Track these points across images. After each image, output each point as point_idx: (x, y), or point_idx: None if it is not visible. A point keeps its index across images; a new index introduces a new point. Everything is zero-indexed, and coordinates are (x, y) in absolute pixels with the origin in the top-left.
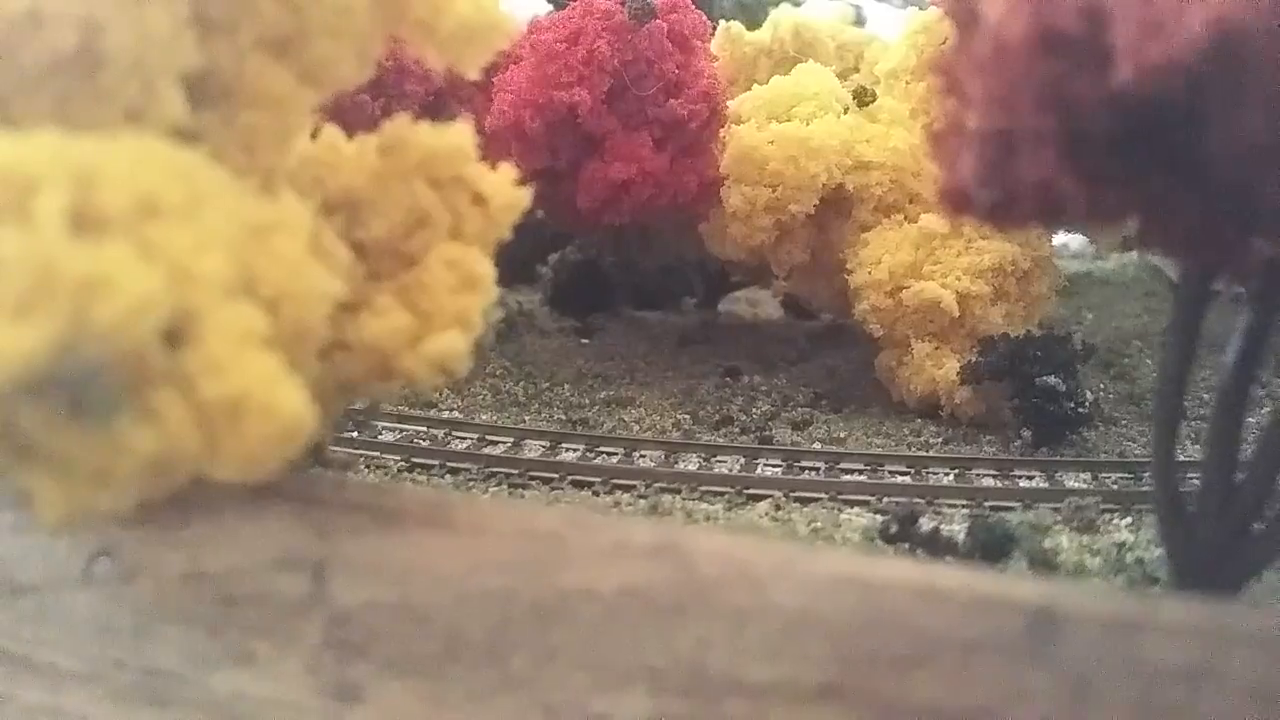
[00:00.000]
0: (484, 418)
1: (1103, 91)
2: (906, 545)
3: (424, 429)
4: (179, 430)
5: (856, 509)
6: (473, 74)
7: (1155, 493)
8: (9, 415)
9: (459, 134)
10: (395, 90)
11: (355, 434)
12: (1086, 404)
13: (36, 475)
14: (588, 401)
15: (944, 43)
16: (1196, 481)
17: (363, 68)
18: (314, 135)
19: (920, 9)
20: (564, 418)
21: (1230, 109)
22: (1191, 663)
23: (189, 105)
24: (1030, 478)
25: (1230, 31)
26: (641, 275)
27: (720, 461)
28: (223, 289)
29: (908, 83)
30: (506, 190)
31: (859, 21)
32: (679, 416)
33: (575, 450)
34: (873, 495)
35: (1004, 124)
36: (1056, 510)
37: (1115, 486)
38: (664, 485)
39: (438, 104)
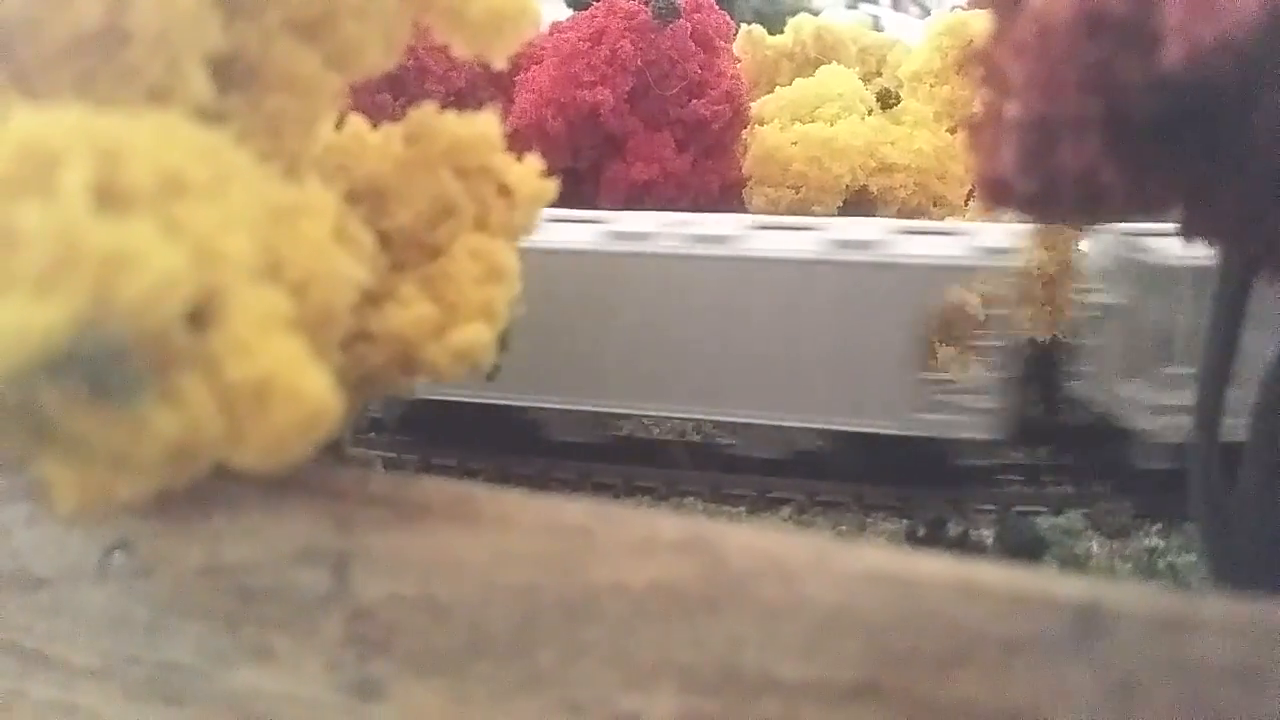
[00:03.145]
0: None
1: (1150, 74)
2: (935, 550)
3: None
4: (202, 413)
5: (882, 513)
6: (500, 64)
7: (1194, 492)
8: (29, 395)
9: (485, 123)
10: (416, 90)
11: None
12: None
13: (54, 461)
14: None
15: (970, 43)
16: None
17: (390, 53)
18: (339, 125)
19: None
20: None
21: None
22: (1237, 662)
23: (215, 87)
24: (1059, 484)
25: None
26: None
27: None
28: (248, 270)
29: (932, 85)
30: (533, 181)
31: (877, 30)
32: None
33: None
34: (898, 500)
35: (1046, 110)
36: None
37: None
38: (685, 488)
39: (459, 104)
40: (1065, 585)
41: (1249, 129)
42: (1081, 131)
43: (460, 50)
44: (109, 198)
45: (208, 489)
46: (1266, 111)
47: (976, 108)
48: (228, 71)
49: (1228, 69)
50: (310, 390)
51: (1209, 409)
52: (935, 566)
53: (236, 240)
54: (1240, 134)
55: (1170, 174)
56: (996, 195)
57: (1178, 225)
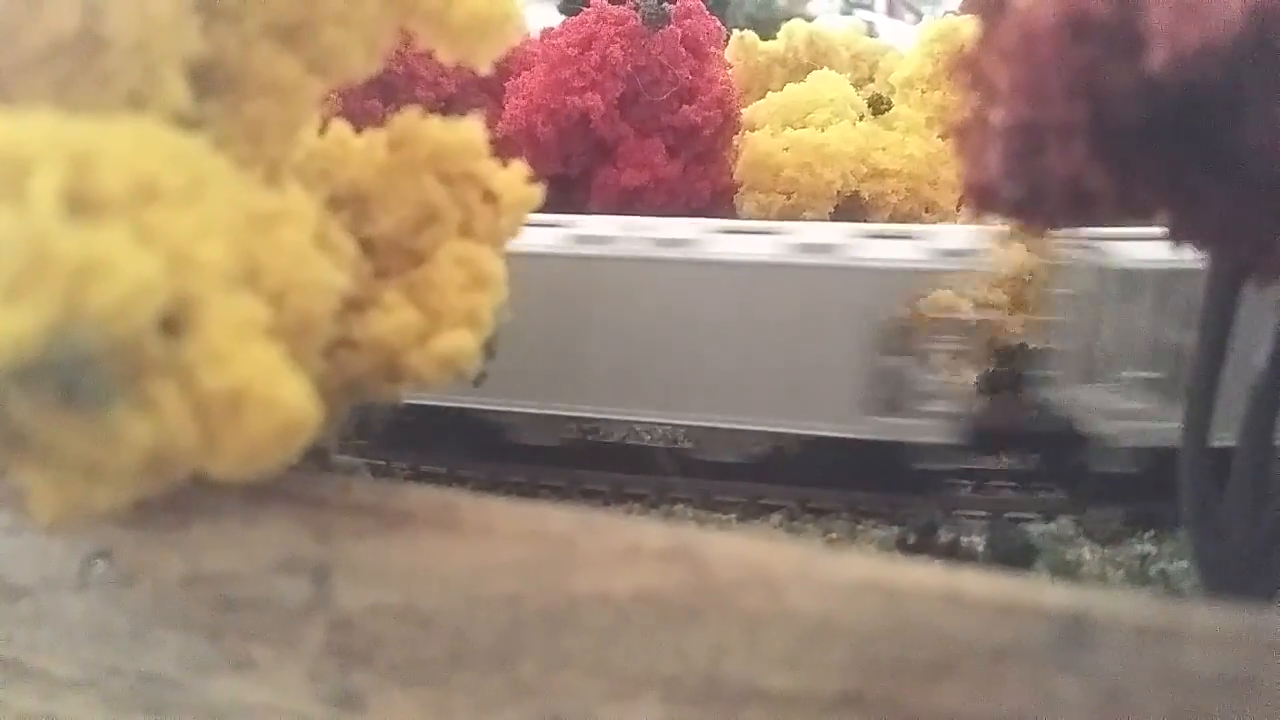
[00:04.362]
0: None
1: (1135, 79)
2: (925, 557)
3: None
4: (177, 422)
5: (872, 521)
6: (484, 69)
7: (1184, 499)
8: (1, 403)
9: (470, 129)
10: (406, 96)
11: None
12: None
13: (30, 470)
14: None
15: (963, 49)
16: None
17: (372, 59)
18: (322, 131)
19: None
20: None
21: (1267, 96)
22: (1226, 671)
23: (194, 93)
24: (1049, 489)
25: (1269, 15)
26: None
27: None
28: (224, 277)
29: (923, 91)
30: (518, 188)
31: (871, 36)
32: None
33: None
34: (888, 507)
35: (1032, 115)
36: (1078, 522)
37: None
38: (676, 495)
39: (448, 110)
40: (1053, 594)
41: (1235, 133)
42: (1067, 136)
43: (444, 55)
44: (81, 204)
45: (188, 498)
46: (1252, 115)
47: (963, 113)
48: (207, 77)
49: (1213, 73)
50: (286, 399)
51: (1198, 416)
52: (921, 575)
53: (212, 247)
54: (1226, 138)
55: (1156, 179)
56: (983, 200)
57: (1165, 230)
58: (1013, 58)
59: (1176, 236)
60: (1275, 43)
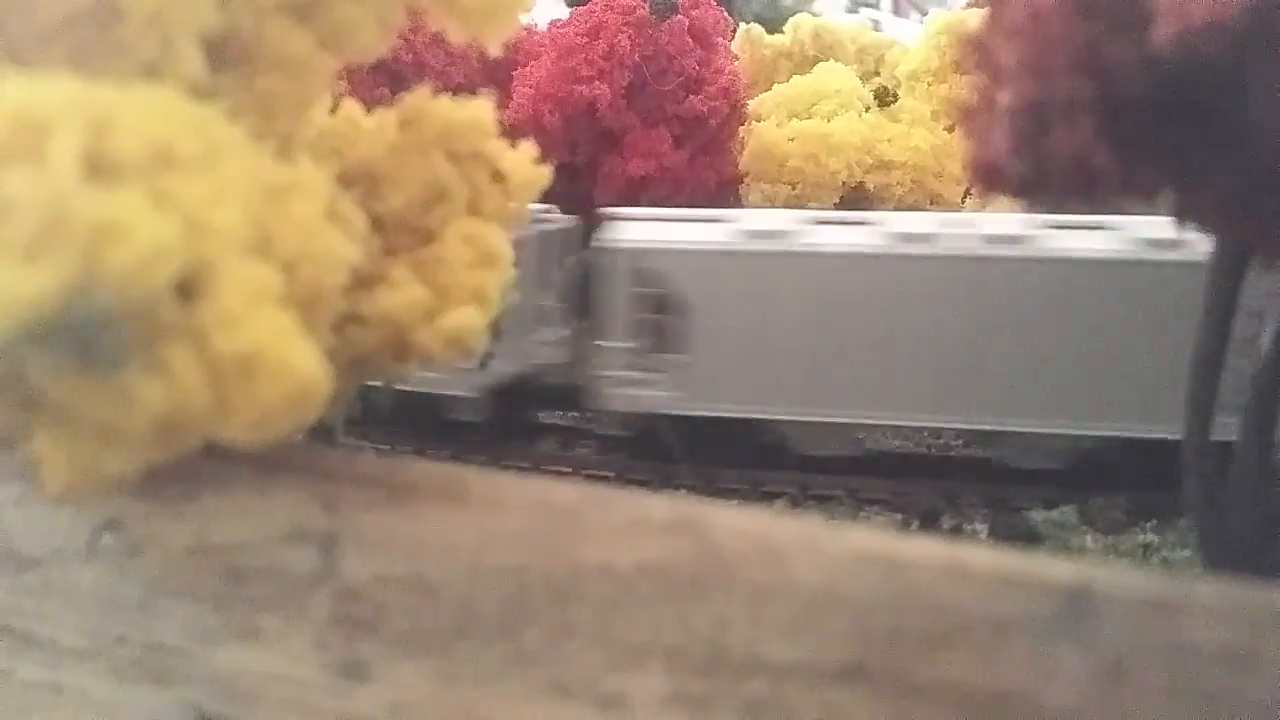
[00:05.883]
0: None
1: (1141, 56)
2: None
3: None
4: (190, 385)
5: (875, 507)
6: (494, 50)
7: (1188, 480)
8: (17, 364)
9: (479, 108)
10: (414, 84)
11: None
12: None
13: (42, 436)
14: None
15: (971, 32)
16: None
17: (384, 36)
18: (333, 109)
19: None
20: (577, 415)
21: (1273, 74)
22: (1228, 645)
23: (208, 65)
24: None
25: None
26: None
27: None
28: (238, 244)
29: (929, 84)
30: (526, 168)
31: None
32: None
33: (588, 446)
34: (891, 494)
35: (1038, 93)
36: (1081, 511)
37: None
38: (679, 482)
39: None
40: (1055, 568)
41: (1241, 112)
42: (1073, 114)
43: (454, 36)
44: (99, 167)
45: (197, 469)
46: (1258, 94)
47: (970, 94)
48: (221, 50)
49: (1218, 51)
50: (299, 364)
51: (1202, 398)
52: (924, 548)
53: (227, 213)
54: (1232, 117)
55: (1162, 157)
56: (989, 180)
57: (1169, 210)
58: (1020, 36)
59: (1181, 216)
60: None
